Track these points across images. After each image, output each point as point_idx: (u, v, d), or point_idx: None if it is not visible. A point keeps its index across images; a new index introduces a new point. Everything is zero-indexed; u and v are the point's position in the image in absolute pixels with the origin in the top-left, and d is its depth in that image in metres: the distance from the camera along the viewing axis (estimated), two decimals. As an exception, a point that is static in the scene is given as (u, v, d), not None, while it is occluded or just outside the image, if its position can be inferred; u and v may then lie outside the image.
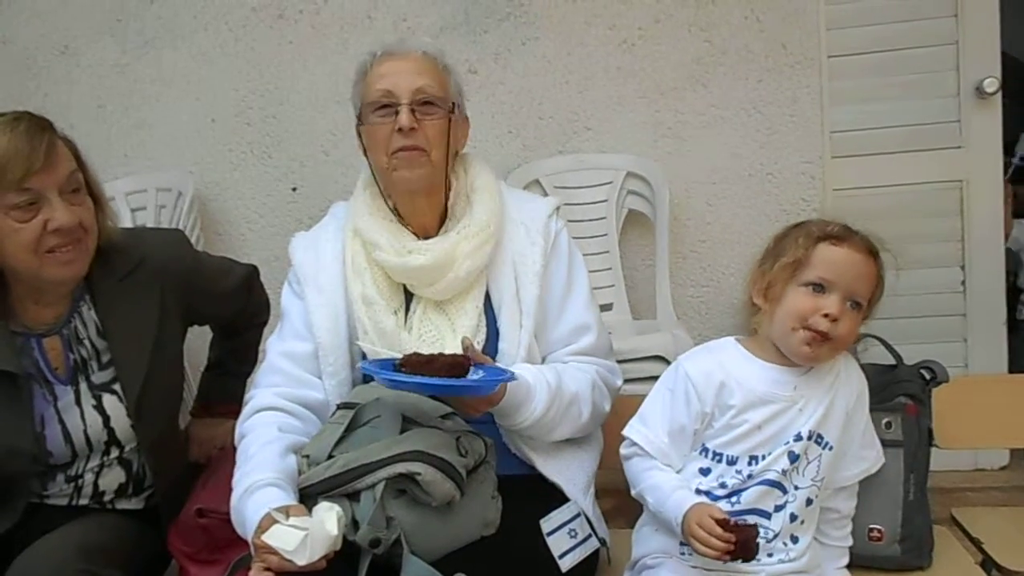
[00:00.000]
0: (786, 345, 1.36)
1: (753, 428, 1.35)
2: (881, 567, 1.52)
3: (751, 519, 1.34)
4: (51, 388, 1.59)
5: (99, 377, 1.62)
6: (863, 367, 1.49)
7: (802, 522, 1.37)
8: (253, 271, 1.91)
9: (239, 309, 1.88)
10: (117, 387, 1.61)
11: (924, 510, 1.55)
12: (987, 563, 1.59)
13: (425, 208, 1.57)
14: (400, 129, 1.48)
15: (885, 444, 1.51)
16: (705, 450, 1.38)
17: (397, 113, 1.49)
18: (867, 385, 1.44)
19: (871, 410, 1.50)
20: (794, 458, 1.35)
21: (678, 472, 1.40)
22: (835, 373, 1.40)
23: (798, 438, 1.35)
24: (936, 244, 2.67)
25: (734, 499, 1.35)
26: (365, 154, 1.59)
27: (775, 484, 1.35)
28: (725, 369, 1.38)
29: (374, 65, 1.54)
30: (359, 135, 1.57)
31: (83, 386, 1.61)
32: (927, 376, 1.58)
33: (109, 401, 1.61)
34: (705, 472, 1.37)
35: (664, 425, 1.40)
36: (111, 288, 1.62)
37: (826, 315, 1.32)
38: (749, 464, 1.36)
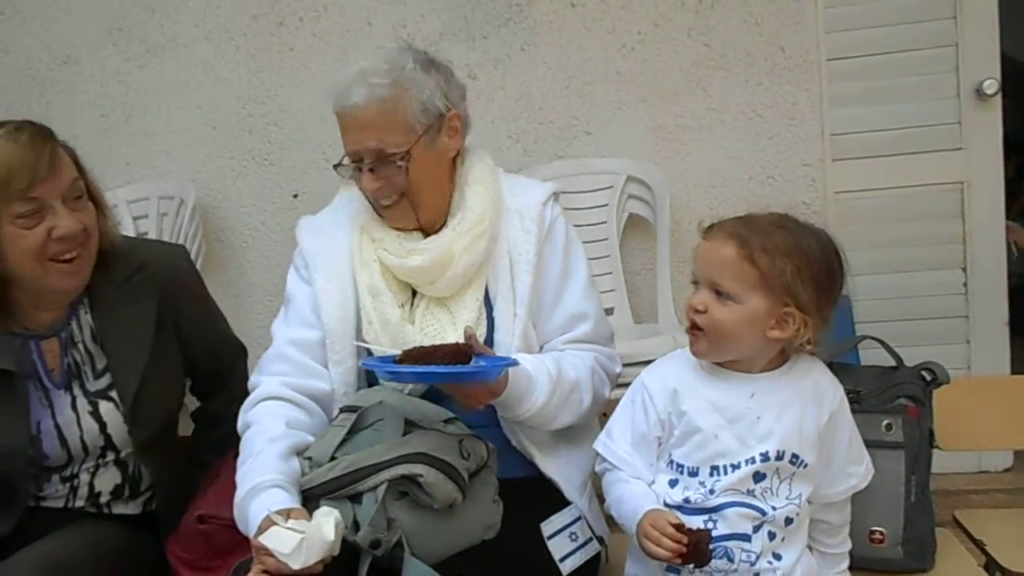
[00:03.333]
0: None
1: (709, 436, 1.32)
2: (883, 569, 1.51)
3: (732, 544, 1.31)
4: (47, 393, 1.60)
5: (95, 384, 1.62)
6: (862, 369, 1.48)
7: (783, 539, 1.33)
8: (244, 349, 1.88)
9: (219, 371, 1.80)
10: (113, 394, 1.61)
11: (926, 512, 1.55)
12: (990, 565, 1.59)
13: (427, 213, 1.57)
14: (362, 187, 1.52)
15: (886, 446, 1.50)
16: (671, 462, 1.35)
17: (360, 172, 1.51)
18: (846, 399, 1.39)
19: (871, 412, 1.51)
20: (760, 477, 1.31)
21: (651, 484, 1.37)
22: (802, 388, 1.35)
23: (765, 458, 1.31)
24: (937, 246, 2.67)
25: (711, 523, 1.31)
26: None
27: (749, 506, 1.31)
28: (679, 376, 1.37)
29: (338, 116, 1.52)
30: None
31: (78, 392, 1.61)
32: (928, 378, 1.57)
33: (105, 408, 1.60)
34: (673, 484, 1.35)
35: (627, 435, 1.39)
36: (109, 293, 1.62)
37: (690, 305, 1.32)
38: (711, 475, 1.32)
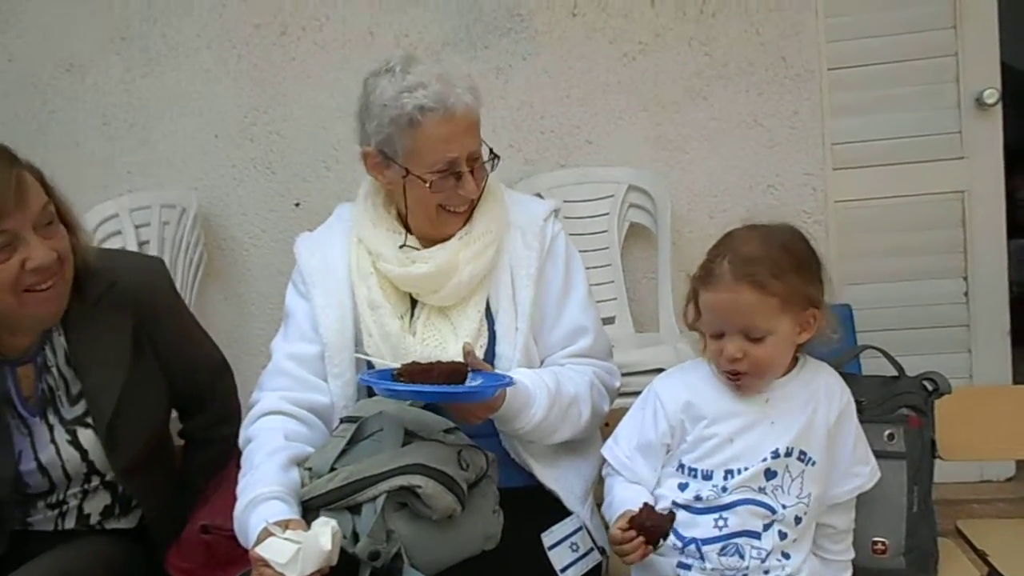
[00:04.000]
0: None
1: (724, 441, 1.35)
2: (885, 580, 1.51)
3: (742, 541, 1.33)
4: (24, 421, 1.56)
5: (70, 412, 1.57)
6: (864, 379, 1.48)
7: (793, 540, 1.35)
8: (226, 366, 1.81)
9: (198, 392, 1.75)
10: (90, 419, 1.56)
11: (929, 522, 1.55)
12: (993, 575, 1.58)
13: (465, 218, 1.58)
14: (461, 193, 1.51)
15: (888, 456, 1.50)
16: (681, 466, 1.38)
17: (458, 177, 1.50)
18: (853, 400, 1.43)
19: (873, 422, 1.51)
20: (772, 475, 1.34)
21: (657, 488, 1.40)
22: (812, 388, 1.39)
23: (776, 455, 1.34)
24: (938, 255, 2.67)
25: (720, 522, 1.34)
26: (370, 172, 1.59)
27: (760, 504, 1.34)
28: (693, 387, 1.40)
29: (429, 122, 1.46)
30: (373, 164, 1.56)
31: (54, 421, 1.56)
32: (929, 387, 1.58)
33: (84, 435, 1.56)
34: (683, 487, 1.37)
35: (632, 441, 1.42)
36: (82, 313, 1.56)
37: (730, 360, 1.33)
38: (725, 478, 1.35)
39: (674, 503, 1.37)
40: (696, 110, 2.71)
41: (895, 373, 1.60)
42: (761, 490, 1.34)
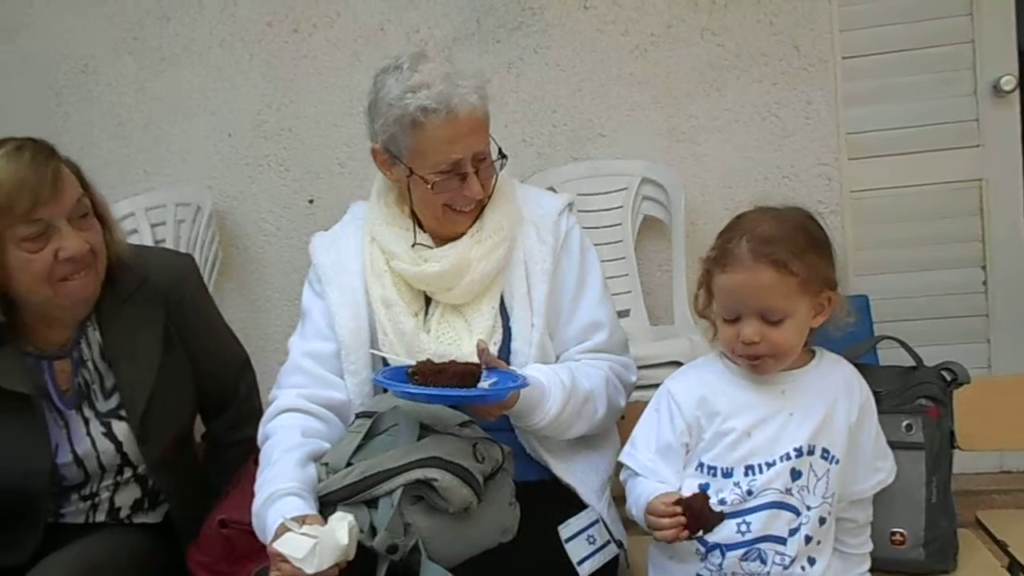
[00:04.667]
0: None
1: (742, 435, 1.32)
2: (905, 571, 1.50)
3: (765, 546, 1.30)
4: (60, 414, 1.59)
5: (104, 404, 1.61)
6: (881, 369, 1.47)
7: (818, 543, 1.33)
8: (248, 365, 1.85)
9: (222, 393, 1.78)
10: (123, 412, 1.60)
11: (948, 513, 1.53)
12: (1014, 566, 1.57)
13: (476, 216, 1.58)
14: (466, 194, 1.51)
15: (906, 447, 1.49)
16: (701, 465, 1.35)
17: (463, 178, 1.50)
18: (871, 395, 1.40)
19: (890, 413, 1.49)
20: (797, 475, 1.31)
21: (677, 490, 1.36)
22: (831, 382, 1.36)
23: (799, 453, 1.31)
24: (956, 244, 2.64)
25: (744, 527, 1.31)
26: (379, 168, 1.59)
27: (785, 506, 1.31)
28: (706, 383, 1.37)
29: (432, 124, 1.46)
30: (381, 161, 1.56)
31: (89, 414, 1.60)
32: (948, 377, 1.56)
33: (119, 427, 1.60)
34: (704, 488, 1.34)
35: (651, 444, 1.39)
36: (115, 309, 1.61)
37: (744, 343, 1.30)
38: (746, 475, 1.31)
39: None
40: (709, 101, 2.70)
41: (913, 364, 1.59)
42: (787, 491, 1.31)
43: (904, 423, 1.51)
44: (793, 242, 1.29)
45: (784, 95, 2.65)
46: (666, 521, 1.27)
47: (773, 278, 1.27)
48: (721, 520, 1.29)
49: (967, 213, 2.63)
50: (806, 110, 2.65)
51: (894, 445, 1.46)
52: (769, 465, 1.31)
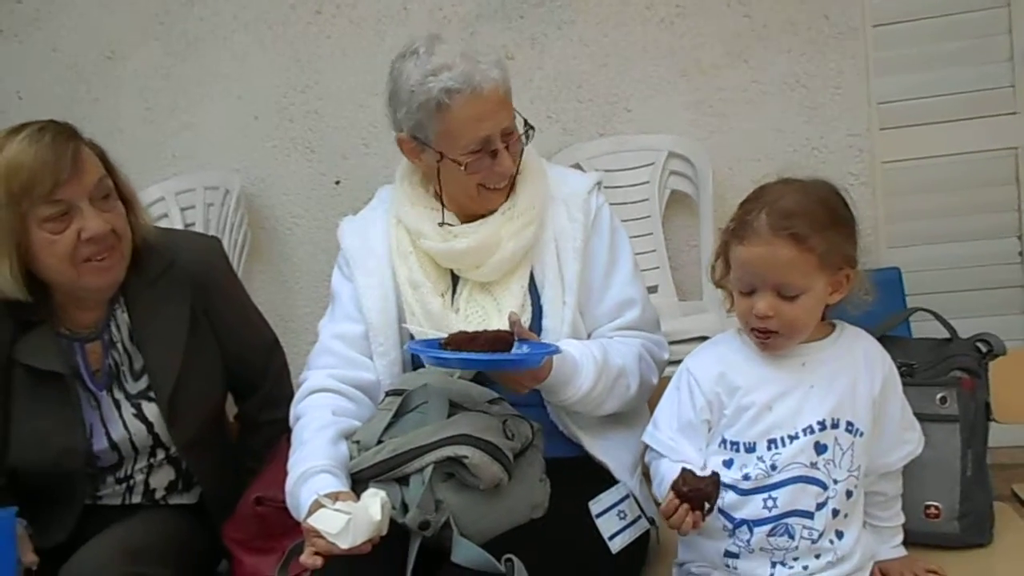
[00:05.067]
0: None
1: (763, 409, 1.31)
2: (940, 544, 1.48)
3: (792, 520, 1.29)
4: (93, 395, 1.62)
5: (134, 386, 1.63)
6: (915, 342, 1.45)
7: (845, 515, 1.32)
8: (278, 345, 1.86)
9: (251, 374, 1.79)
10: (153, 394, 1.62)
11: (984, 486, 1.52)
12: (1050, 539, 1.55)
13: (506, 194, 1.58)
14: (498, 170, 1.50)
15: (940, 420, 1.48)
16: (724, 442, 1.34)
17: (494, 155, 1.49)
18: (894, 367, 1.38)
19: (924, 385, 1.48)
20: (823, 449, 1.30)
21: (702, 468, 1.36)
22: (852, 355, 1.35)
23: (822, 426, 1.30)
24: (991, 214, 2.59)
25: (770, 502, 1.30)
26: (407, 157, 1.59)
27: (812, 480, 1.29)
28: (725, 359, 1.36)
29: (458, 104, 1.45)
30: (409, 149, 1.56)
31: (120, 395, 1.63)
32: (983, 349, 1.54)
33: (149, 408, 1.63)
34: (728, 464, 1.33)
35: (673, 423, 1.38)
36: (143, 291, 1.63)
37: (757, 316, 1.28)
38: (769, 449, 1.30)
39: (723, 484, 1.32)
40: (736, 73, 2.66)
41: (947, 335, 1.57)
42: (813, 465, 1.29)
43: (938, 395, 1.50)
44: (814, 217, 1.26)
45: (813, 65, 2.61)
46: (674, 518, 1.27)
47: (791, 253, 1.25)
48: (716, 481, 1.28)
49: (1003, 182, 2.58)
50: (836, 80, 2.60)
51: (928, 418, 1.45)
52: (792, 438, 1.30)
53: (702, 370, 1.37)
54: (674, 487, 1.27)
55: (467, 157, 1.48)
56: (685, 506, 1.26)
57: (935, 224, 2.61)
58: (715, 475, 1.29)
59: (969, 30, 2.54)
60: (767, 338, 1.31)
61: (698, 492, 1.27)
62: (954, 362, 1.52)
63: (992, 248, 2.59)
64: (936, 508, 1.48)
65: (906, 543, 1.43)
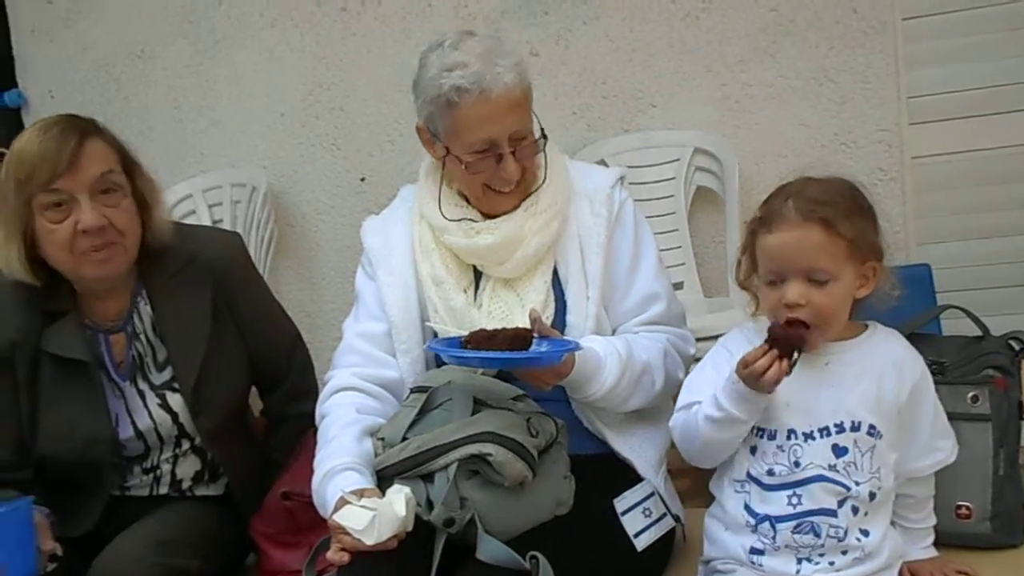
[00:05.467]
0: None
1: (780, 405, 1.30)
2: (971, 545, 1.47)
3: (818, 519, 1.28)
4: (117, 386, 1.65)
5: (158, 377, 1.67)
6: (946, 339, 1.43)
7: (866, 514, 1.30)
8: (300, 338, 1.88)
9: (275, 367, 1.82)
10: (177, 385, 1.65)
11: (1016, 486, 1.50)
12: (1084, 540, 1.52)
13: (523, 195, 1.57)
14: (502, 175, 1.50)
15: (972, 419, 1.46)
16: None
17: (499, 159, 1.49)
18: (928, 373, 1.36)
19: (956, 383, 1.47)
20: (842, 451, 1.29)
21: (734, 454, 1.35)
22: (880, 358, 1.32)
23: (840, 428, 1.29)
24: (1022, 210, 2.55)
25: (795, 499, 1.29)
26: (424, 146, 1.60)
27: (834, 482, 1.28)
28: (754, 344, 1.32)
29: (466, 103, 1.45)
30: (425, 139, 1.57)
31: (144, 386, 1.66)
32: (1016, 347, 1.52)
33: (173, 399, 1.65)
34: (753, 451, 1.33)
35: (707, 388, 1.34)
36: (164, 284, 1.67)
37: (788, 305, 1.26)
38: (788, 439, 1.30)
39: (748, 475, 1.33)
40: (763, 68, 2.63)
41: (979, 333, 1.55)
42: (832, 468, 1.28)
43: (970, 394, 1.48)
44: (840, 206, 1.27)
45: (841, 59, 2.57)
46: (762, 361, 1.23)
47: (822, 237, 1.25)
48: (800, 340, 1.25)
49: (1035, 177, 2.54)
50: (865, 74, 2.57)
51: (960, 417, 1.43)
52: (807, 436, 1.30)
53: (736, 346, 1.37)
54: (771, 329, 1.25)
55: (470, 156, 1.49)
56: (774, 351, 1.24)
57: (965, 220, 2.57)
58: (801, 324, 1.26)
59: (1000, 23, 2.50)
60: (798, 337, 1.27)
61: (789, 339, 1.24)
62: (986, 360, 1.50)
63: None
64: (967, 508, 1.47)
65: (936, 544, 1.41)
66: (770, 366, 1.23)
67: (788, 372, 1.24)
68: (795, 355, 1.25)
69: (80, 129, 1.55)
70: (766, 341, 1.25)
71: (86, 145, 1.54)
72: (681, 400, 1.40)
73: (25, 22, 3.19)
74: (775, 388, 1.25)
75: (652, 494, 1.48)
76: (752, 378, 1.25)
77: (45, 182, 1.50)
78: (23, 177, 1.51)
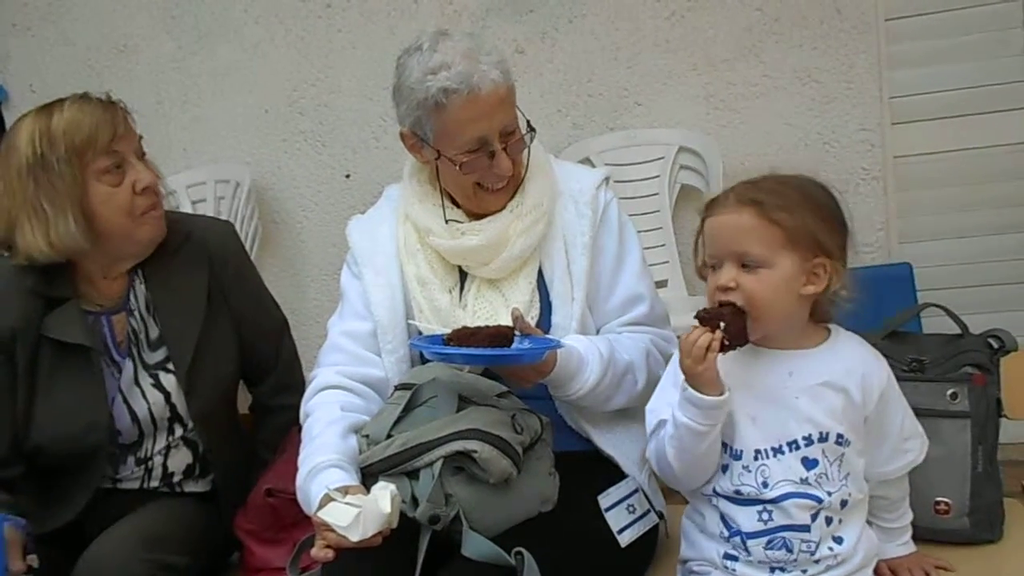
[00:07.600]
0: None
1: (746, 419, 1.28)
2: (949, 540, 1.48)
3: (790, 535, 1.26)
4: (116, 365, 1.66)
5: (151, 356, 1.68)
6: (926, 337, 1.44)
7: (840, 521, 1.28)
8: (287, 325, 1.89)
9: (265, 356, 1.82)
10: (171, 365, 1.67)
11: (994, 482, 1.51)
12: (1061, 536, 1.55)
13: (511, 193, 1.57)
14: (496, 172, 1.50)
15: (951, 415, 1.47)
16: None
17: (491, 156, 1.49)
18: (892, 377, 1.34)
19: (935, 381, 1.47)
20: (812, 464, 1.26)
21: None
22: (845, 364, 1.29)
23: (808, 441, 1.26)
24: (1003, 209, 2.57)
25: (765, 515, 1.27)
26: (410, 152, 1.59)
27: (804, 495, 1.26)
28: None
29: (455, 104, 1.44)
30: (411, 145, 1.56)
31: (138, 364, 1.67)
32: (995, 345, 1.53)
33: (167, 379, 1.66)
34: (724, 469, 1.30)
35: (668, 408, 1.31)
36: (161, 262, 1.69)
37: (719, 287, 1.25)
38: (755, 459, 1.27)
39: (715, 491, 1.30)
40: (747, 67, 2.65)
41: (958, 331, 1.56)
42: (804, 481, 1.26)
43: (949, 391, 1.49)
44: (784, 196, 1.26)
45: (825, 59, 2.60)
46: (693, 334, 1.22)
47: (753, 222, 1.24)
48: (739, 312, 1.23)
49: (1015, 177, 2.56)
50: (848, 74, 2.59)
51: (939, 413, 1.44)
52: (776, 451, 1.27)
53: None
54: (698, 313, 1.25)
55: (463, 157, 1.48)
56: (703, 331, 1.22)
57: (947, 219, 2.60)
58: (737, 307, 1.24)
59: (982, 24, 2.53)
60: (726, 314, 1.24)
61: (720, 315, 1.23)
62: (965, 358, 1.51)
63: (1004, 244, 2.58)
64: (946, 504, 1.48)
65: (915, 539, 1.42)
66: (700, 337, 1.22)
67: (723, 350, 1.22)
68: (721, 333, 1.22)
69: (110, 98, 1.62)
70: (700, 318, 1.24)
71: (126, 110, 1.63)
72: (648, 425, 1.37)
73: (6, 16, 3.16)
74: (712, 363, 1.22)
75: (636, 491, 1.48)
76: (690, 360, 1.22)
77: (107, 143, 1.56)
78: (81, 142, 1.54)
